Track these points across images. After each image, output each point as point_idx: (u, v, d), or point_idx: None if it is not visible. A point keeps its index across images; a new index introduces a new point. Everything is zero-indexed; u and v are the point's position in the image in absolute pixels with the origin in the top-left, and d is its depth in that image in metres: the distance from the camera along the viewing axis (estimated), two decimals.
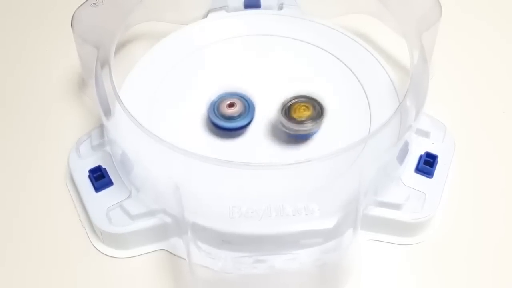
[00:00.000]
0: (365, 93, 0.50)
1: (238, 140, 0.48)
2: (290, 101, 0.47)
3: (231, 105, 0.48)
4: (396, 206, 0.45)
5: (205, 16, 0.56)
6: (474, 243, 0.46)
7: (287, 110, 0.47)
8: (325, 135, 0.48)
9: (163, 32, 0.54)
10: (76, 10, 0.49)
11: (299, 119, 0.46)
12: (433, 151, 0.47)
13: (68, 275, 0.44)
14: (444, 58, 0.54)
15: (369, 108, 0.49)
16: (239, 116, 0.47)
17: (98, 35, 0.48)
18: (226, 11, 0.56)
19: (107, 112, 0.45)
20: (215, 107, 0.48)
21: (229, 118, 0.47)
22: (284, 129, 0.46)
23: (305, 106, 0.47)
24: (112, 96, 0.45)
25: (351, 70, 0.52)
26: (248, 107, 0.48)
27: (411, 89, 0.45)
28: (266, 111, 0.49)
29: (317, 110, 0.47)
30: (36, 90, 0.54)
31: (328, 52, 0.53)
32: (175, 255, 0.45)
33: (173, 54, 0.53)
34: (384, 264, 0.45)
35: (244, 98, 0.48)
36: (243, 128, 0.48)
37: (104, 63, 0.46)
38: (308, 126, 0.46)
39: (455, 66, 0.56)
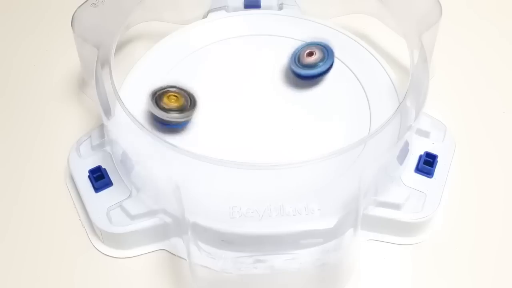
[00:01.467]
0: (365, 93, 0.50)
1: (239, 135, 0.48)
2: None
3: (310, 54, 0.50)
4: (396, 206, 0.45)
5: (205, 16, 0.56)
6: (474, 243, 0.46)
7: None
8: (325, 135, 0.48)
9: (163, 32, 0.54)
10: (76, 10, 0.49)
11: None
12: (433, 151, 0.47)
13: (68, 275, 0.45)
14: (444, 58, 0.54)
15: (369, 108, 0.50)
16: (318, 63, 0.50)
17: (98, 35, 0.48)
18: (226, 11, 0.56)
19: (107, 112, 0.45)
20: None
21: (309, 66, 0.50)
22: None
23: (174, 95, 0.48)
24: (112, 96, 0.45)
25: (351, 70, 0.52)
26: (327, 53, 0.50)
27: (411, 89, 0.45)
28: (266, 111, 0.49)
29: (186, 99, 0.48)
30: (36, 90, 0.54)
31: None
32: (175, 255, 0.45)
33: (173, 54, 0.53)
34: (384, 264, 0.45)
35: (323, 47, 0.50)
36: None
37: (104, 63, 0.46)
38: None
39: (455, 66, 0.56)
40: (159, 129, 0.48)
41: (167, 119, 0.47)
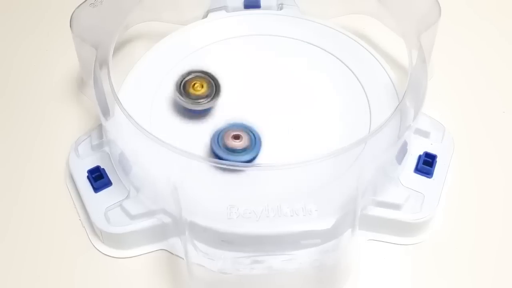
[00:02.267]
0: (365, 93, 0.50)
1: None
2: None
3: (236, 137, 0.46)
4: (396, 206, 0.45)
5: (205, 16, 0.56)
6: (474, 243, 0.46)
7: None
8: (324, 135, 0.48)
9: (162, 32, 0.54)
10: (75, 10, 0.49)
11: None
12: (432, 151, 0.47)
13: (68, 275, 0.45)
14: (443, 58, 0.54)
15: (369, 108, 0.49)
16: (244, 149, 0.46)
17: (97, 35, 0.48)
18: (226, 11, 0.56)
19: (106, 112, 0.45)
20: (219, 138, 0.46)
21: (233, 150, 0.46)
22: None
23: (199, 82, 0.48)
24: (111, 97, 0.45)
25: (351, 70, 0.52)
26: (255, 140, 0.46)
27: (410, 89, 0.45)
28: (266, 110, 0.49)
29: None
30: (35, 90, 0.54)
31: (328, 52, 0.53)
32: (175, 255, 0.45)
33: (173, 54, 0.53)
34: (384, 264, 0.45)
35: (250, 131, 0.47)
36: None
37: (103, 63, 0.46)
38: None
39: (454, 66, 0.55)
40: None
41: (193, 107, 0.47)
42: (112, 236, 0.45)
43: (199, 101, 0.48)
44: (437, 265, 0.45)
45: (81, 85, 0.53)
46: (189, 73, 0.49)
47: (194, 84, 0.48)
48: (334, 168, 0.43)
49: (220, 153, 0.45)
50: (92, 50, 0.47)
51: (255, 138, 0.46)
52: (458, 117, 0.52)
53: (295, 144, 0.47)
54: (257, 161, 0.46)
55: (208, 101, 0.48)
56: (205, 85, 0.48)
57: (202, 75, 0.49)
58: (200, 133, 0.48)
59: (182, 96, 0.48)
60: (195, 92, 0.48)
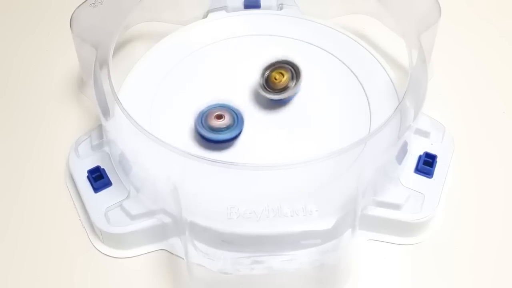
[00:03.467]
0: (365, 93, 0.50)
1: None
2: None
3: (219, 117, 0.47)
4: (396, 206, 0.45)
5: (205, 16, 0.56)
6: (474, 243, 0.46)
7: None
8: (324, 135, 0.48)
9: (162, 33, 0.54)
10: (75, 10, 0.49)
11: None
12: (432, 151, 0.47)
13: (68, 275, 0.45)
14: (443, 58, 0.54)
15: (369, 108, 0.49)
16: (227, 128, 0.47)
17: (97, 35, 0.48)
18: (226, 11, 0.56)
19: (106, 112, 0.45)
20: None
21: (217, 130, 0.47)
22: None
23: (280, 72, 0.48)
24: (111, 97, 0.45)
25: (351, 70, 0.52)
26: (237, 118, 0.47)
27: (410, 89, 0.45)
28: (265, 110, 0.49)
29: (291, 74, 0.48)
30: (35, 90, 0.54)
31: (328, 52, 0.53)
32: (175, 255, 0.45)
33: (173, 54, 0.53)
34: (384, 264, 0.45)
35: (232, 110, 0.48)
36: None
37: (103, 63, 0.46)
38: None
39: (454, 66, 0.55)
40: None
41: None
42: (112, 236, 0.45)
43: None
44: (437, 265, 0.45)
45: (81, 85, 0.53)
46: None
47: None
48: (334, 168, 0.43)
49: (204, 132, 0.46)
50: (92, 50, 0.47)
51: (237, 116, 0.47)
52: (458, 117, 0.52)
53: (295, 144, 0.47)
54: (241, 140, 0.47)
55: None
56: None
57: None
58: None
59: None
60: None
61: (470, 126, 0.52)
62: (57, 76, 0.55)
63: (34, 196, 0.48)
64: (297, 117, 0.49)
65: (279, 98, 0.48)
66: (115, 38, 0.48)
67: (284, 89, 0.48)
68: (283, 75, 0.48)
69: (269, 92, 0.48)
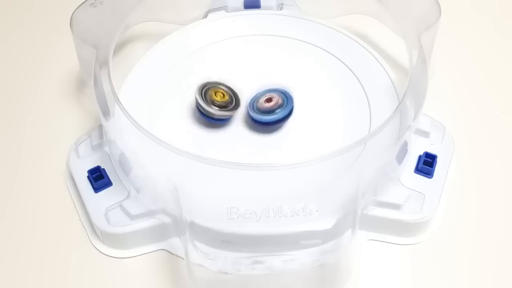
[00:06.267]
0: (365, 93, 0.50)
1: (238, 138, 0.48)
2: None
3: (269, 100, 0.48)
4: (396, 206, 0.45)
5: (205, 16, 0.56)
6: (474, 243, 0.46)
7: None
8: (324, 135, 0.48)
9: (162, 33, 0.54)
10: (75, 11, 0.49)
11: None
12: (432, 151, 0.47)
13: (68, 275, 0.45)
14: (443, 58, 0.54)
15: (369, 108, 0.49)
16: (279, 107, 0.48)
17: (97, 35, 0.48)
18: (226, 11, 0.56)
19: (106, 112, 0.45)
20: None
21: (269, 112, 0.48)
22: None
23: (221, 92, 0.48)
24: (111, 97, 0.45)
25: (351, 70, 0.52)
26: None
27: (410, 89, 0.45)
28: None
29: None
30: (35, 90, 0.54)
31: (328, 52, 0.53)
32: (174, 255, 0.45)
33: (173, 54, 0.53)
34: (384, 264, 0.45)
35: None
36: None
37: (103, 63, 0.46)
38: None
39: (454, 66, 0.56)
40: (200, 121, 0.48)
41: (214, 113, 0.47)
42: (112, 236, 0.45)
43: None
44: (437, 265, 0.45)
45: (81, 85, 0.53)
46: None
47: (217, 92, 0.48)
48: (334, 168, 0.43)
49: (256, 116, 0.48)
50: (92, 50, 0.47)
51: (286, 97, 0.48)
52: (458, 117, 0.52)
53: (295, 144, 0.47)
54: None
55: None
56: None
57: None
58: (201, 133, 0.48)
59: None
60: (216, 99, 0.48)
61: (470, 126, 0.52)
62: (57, 76, 0.55)
63: (34, 196, 0.48)
64: (297, 117, 0.49)
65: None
66: (115, 38, 0.48)
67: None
68: (223, 95, 0.48)
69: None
